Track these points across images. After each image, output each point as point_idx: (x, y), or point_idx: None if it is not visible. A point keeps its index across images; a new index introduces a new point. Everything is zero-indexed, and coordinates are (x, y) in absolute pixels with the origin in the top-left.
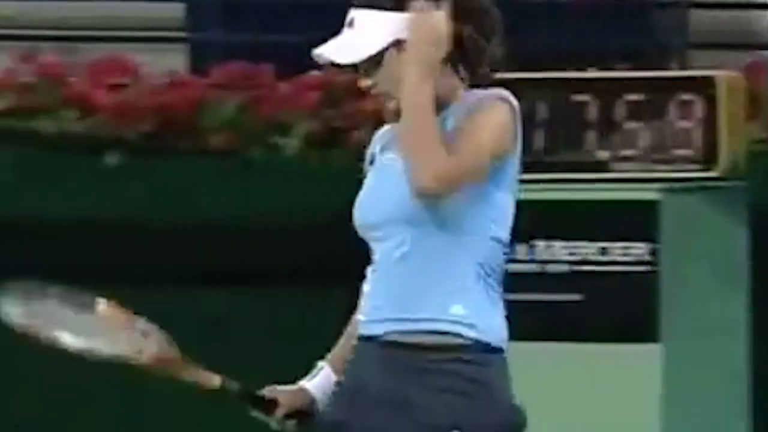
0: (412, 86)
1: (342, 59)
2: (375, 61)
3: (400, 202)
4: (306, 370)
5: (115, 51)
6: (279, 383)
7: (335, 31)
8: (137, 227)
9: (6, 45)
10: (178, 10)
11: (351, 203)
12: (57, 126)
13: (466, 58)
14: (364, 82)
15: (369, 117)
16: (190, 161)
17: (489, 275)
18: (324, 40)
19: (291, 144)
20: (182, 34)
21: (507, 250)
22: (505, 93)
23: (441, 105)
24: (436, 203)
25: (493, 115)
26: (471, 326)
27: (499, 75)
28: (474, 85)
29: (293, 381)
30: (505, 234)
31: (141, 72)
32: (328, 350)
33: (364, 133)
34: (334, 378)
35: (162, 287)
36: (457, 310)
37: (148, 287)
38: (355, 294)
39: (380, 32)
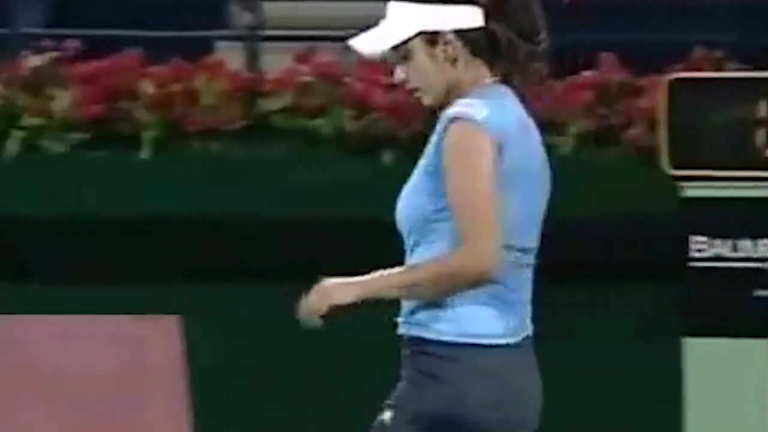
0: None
1: (366, 49)
2: (403, 52)
3: (406, 208)
4: None
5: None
6: None
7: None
8: None
9: (284, 45)
10: None
11: (624, 200)
12: (333, 125)
13: (498, 54)
14: (397, 76)
15: (643, 115)
16: None
17: None
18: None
19: (565, 142)
20: None
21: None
22: (457, 110)
23: (461, 94)
24: (411, 209)
25: (460, 150)
26: (423, 325)
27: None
28: (506, 80)
29: None
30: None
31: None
32: None
33: (639, 130)
34: None
35: None
36: (418, 311)
37: None
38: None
39: (406, 23)
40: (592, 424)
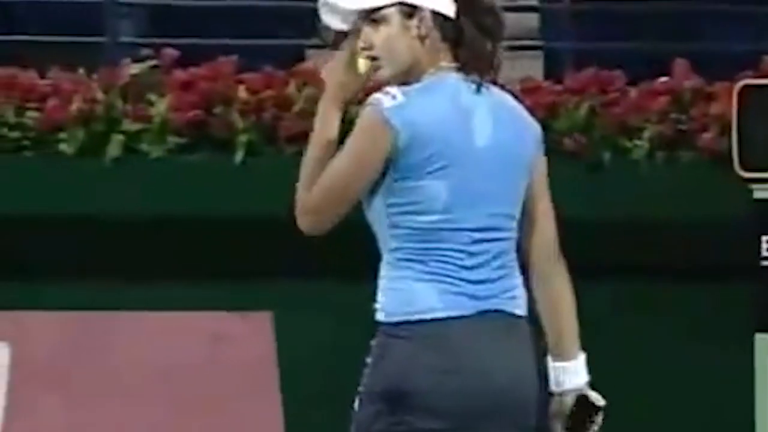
0: (317, 118)
1: (347, 5)
2: (377, 18)
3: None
4: None
5: None
6: None
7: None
8: None
9: None
10: (533, 20)
11: (697, 202)
12: None
13: (461, 47)
14: (360, 42)
15: (715, 120)
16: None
17: (410, 259)
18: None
19: (640, 147)
20: (538, 43)
21: (439, 227)
22: (374, 96)
23: (419, 75)
24: (367, 206)
25: (355, 130)
26: (380, 309)
27: None
28: (462, 68)
29: None
30: (420, 218)
31: (499, 78)
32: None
33: (711, 135)
34: None
35: None
36: (378, 297)
37: None
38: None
39: None
40: (668, 417)
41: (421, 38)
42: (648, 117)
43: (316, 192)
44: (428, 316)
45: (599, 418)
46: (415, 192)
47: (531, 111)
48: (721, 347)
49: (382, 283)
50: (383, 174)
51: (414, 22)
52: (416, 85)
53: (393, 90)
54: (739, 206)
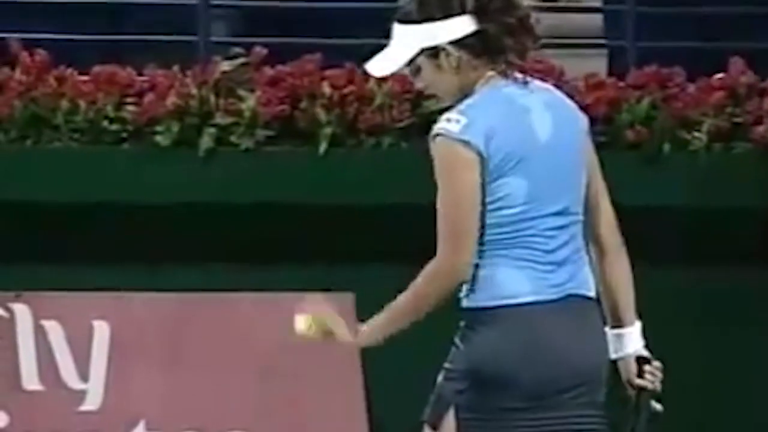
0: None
1: (376, 72)
2: (414, 67)
3: None
4: None
5: (541, 56)
6: None
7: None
8: None
9: None
10: (598, 20)
11: (752, 192)
12: None
13: (489, 52)
14: (417, 85)
15: None
16: (608, 154)
17: (496, 249)
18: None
19: (698, 139)
20: (602, 41)
21: (522, 216)
22: (438, 126)
23: (471, 92)
24: None
25: (441, 167)
26: (467, 296)
27: None
28: (504, 71)
29: None
30: (504, 212)
31: (564, 75)
32: None
33: (766, 128)
34: None
35: None
36: (468, 285)
37: None
38: None
39: (409, 44)
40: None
41: (455, 69)
42: (705, 111)
43: (445, 242)
44: (514, 301)
45: (659, 373)
46: (497, 190)
47: (595, 106)
48: None
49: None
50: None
51: (442, 59)
52: (468, 101)
53: (451, 115)
54: None
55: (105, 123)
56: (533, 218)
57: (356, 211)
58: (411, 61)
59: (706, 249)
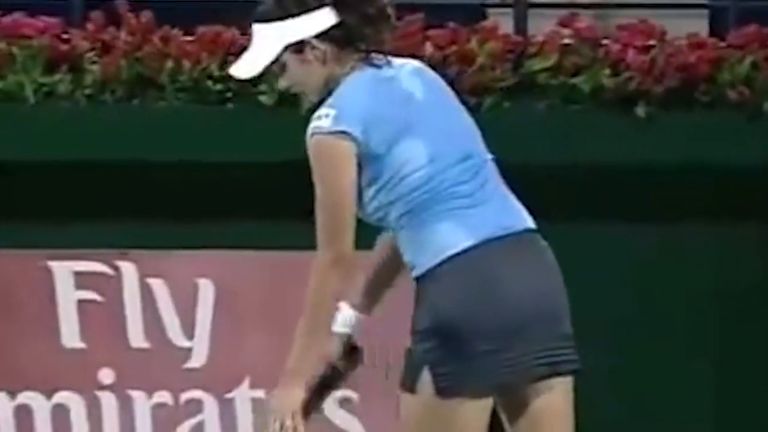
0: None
1: (241, 75)
2: (279, 66)
3: None
4: None
5: (644, 17)
6: None
7: None
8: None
9: (548, 12)
10: None
11: None
12: (592, 82)
13: (351, 42)
14: (282, 84)
15: None
16: (710, 114)
17: (418, 213)
18: None
19: None
20: (703, 1)
21: (416, 175)
22: (311, 125)
23: (336, 83)
24: (361, 206)
25: (317, 161)
26: (412, 266)
27: None
28: (366, 58)
29: None
30: (411, 178)
31: (666, 35)
32: None
33: None
34: None
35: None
36: (406, 258)
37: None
38: None
39: (270, 43)
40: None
41: (321, 61)
42: None
43: (326, 238)
44: (455, 250)
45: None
46: (395, 160)
47: (696, 65)
48: None
49: (404, 246)
50: (359, 174)
51: (306, 54)
52: (334, 93)
53: (320, 112)
54: None
55: (209, 83)
56: (443, 170)
57: None
58: (275, 60)
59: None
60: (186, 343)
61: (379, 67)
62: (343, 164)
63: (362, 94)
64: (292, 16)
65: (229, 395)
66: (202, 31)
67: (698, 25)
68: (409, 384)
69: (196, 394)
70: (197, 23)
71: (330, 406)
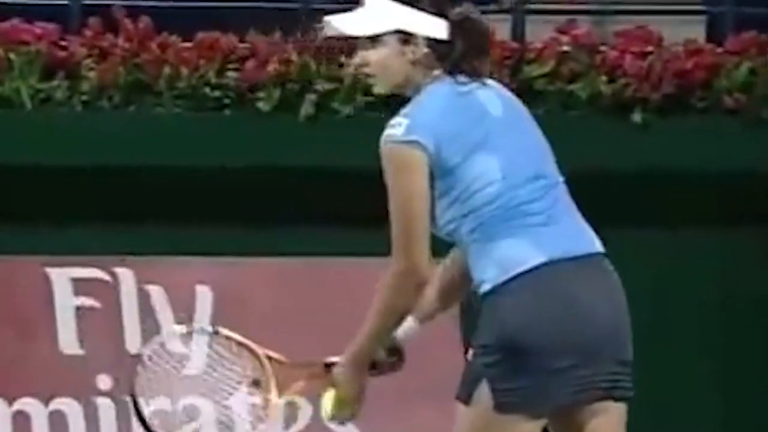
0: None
1: (350, 31)
2: (373, 40)
3: None
4: None
5: (641, 23)
6: None
7: None
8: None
9: (546, 18)
10: None
11: None
12: (590, 88)
13: (448, 62)
14: (356, 60)
15: None
16: (706, 120)
17: (489, 228)
18: None
19: None
20: (700, 8)
21: (490, 196)
22: (385, 133)
23: (411, 90)
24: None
25: (389, 171)
26: (481, 282)
27: None
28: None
29: None
30: (484, 192)
31: (663, 41)
32: None
33: None
34: None
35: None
36: (474, 274)
37: None
38: None
39: (388, 17)
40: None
41: (414, 63)
42: None
43: (399, 248)
44: (526, 267)
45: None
46: (468, 173)
47: (693, 71)
48: None
49: (473, 261)
50: (432, 186)
51: (410, 48)
52: (413, 102)
53: (393, 120)
54: None
55: (207, 89)
56: (515, 187)
57: None
58: (379, 35)
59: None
60: (183, 350)
61: (458, 82)
62: (414, 173)
63: (439, 106)
64: (420, 9)
65: (227, 401)
66: (200, 38)
67: (696, 31)
68: (465, 396)
69: (195, 400)
70: (195, 30)
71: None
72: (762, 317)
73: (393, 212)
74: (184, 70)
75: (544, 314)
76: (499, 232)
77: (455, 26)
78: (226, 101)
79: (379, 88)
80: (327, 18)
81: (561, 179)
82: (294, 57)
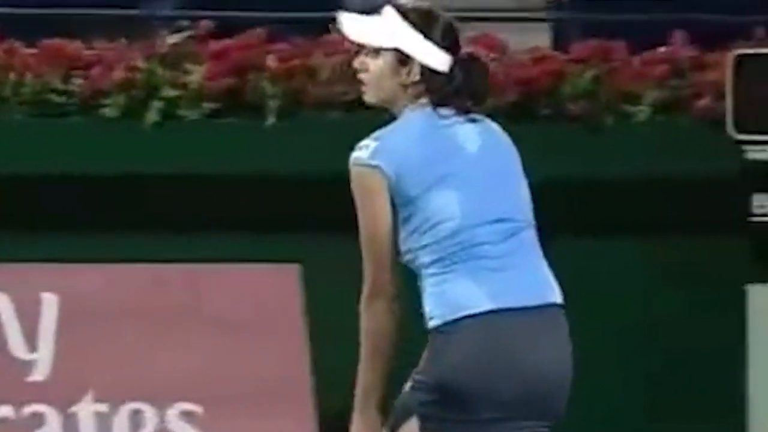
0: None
1: (352, 36)
2: (376, 50)
3: None
4: None
5: (486, 30)
6: None
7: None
8: None
9: None
10: None
11: (693, 162)
12: None
13: (439, 94)
14: (357, 62)
15: (711, 87)
16: (551, 127)
17: (446, 265)
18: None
19: (641, 112)
20: (546, 15)
21: (450, 231)
22: (353, 155)
23: (395, 108)
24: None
25: (356, 194)
26: (430, 317)
27: None
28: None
29: None
30: (441, 227)
31: (508, 48)
32: None
33: (707, 100)
34: None
35: None
36: (425, 307)
37: None
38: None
39: (393, 34)
40: (662, 369)
41: (405, 86)
42: (648, 84)
43: (368, 266)
44: (473, 311)
45: None
46: (427, 207)
47: (538, 79)
48: (717, 300)
49: (426, 294)
50: (394, 213)
51: (404, 69)
52: (390, 125)
53: (363, 142)
54: (732, 166)
55: (53, 96)
56: (475, 226)
57: (302, 182)
58: (379, 47)
59: (647, 218)
60: (29, 356)
61: (440, 115)
62: (377, 197)
63: (409, 135)
64: (426, 35)
65: (72, 409)
66: (45, 44)
67: (541, 38)
68: (392, 424)
69: (39, 407)
70: (40, 36)
71: (174, 419)
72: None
73: (361, 235)
74: (29, 77)
75: (482, 362)
76: (454, 270)
77: (459, 65)
78: (72, 108)
79: (368, 98)
80: (341, 15)
81: (532, 224)
82: (140, 63)
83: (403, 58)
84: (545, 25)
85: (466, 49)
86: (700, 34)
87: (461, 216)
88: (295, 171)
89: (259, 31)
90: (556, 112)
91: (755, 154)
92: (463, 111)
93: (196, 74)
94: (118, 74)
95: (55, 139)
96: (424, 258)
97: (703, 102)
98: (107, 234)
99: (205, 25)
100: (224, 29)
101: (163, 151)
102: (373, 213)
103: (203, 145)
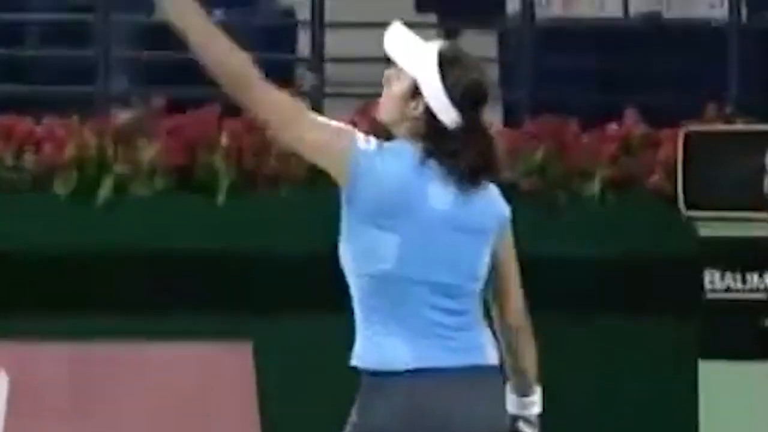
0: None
1: (388, 48)
2: (400, 71)
3: None
4: None
5: None
6: None
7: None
8: None
9: (343, 102)
10: (493, 72)
11: (644, 239)
12: None
13: (437, 146)
14: (386, 73)
15: (662, 164)
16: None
17: (379, 312)
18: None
19: (593, 188)
20: (497, 93)
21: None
22: (360, 134)
23: (397, 133)
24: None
25: (332, 123)
26: (357, 356)
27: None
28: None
29: None
30: (376, 265)
31: None
32: None
33: (658, 177)
34: None
35: None
36: (356, 343)
37: None
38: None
39: (416, 64)
40: None
41: (407, 115)
42: (599, 161)
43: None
44: (397, 368)
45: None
46: (368, 238)
47: None
48: (670, 376)
49: (359, 330)
50: (346, 218)
51: (413, 102)
52: (390, 144)
53: (372, 139)
54: (684, 243)
55: (3, 172)
56: (412, 282)
57: (254, 260)
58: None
59: (599, 295)
60: None
61: (424, 162)
62: (338, 144)
63: (396, 167)
64: (446, 84)
65: None
66: None
67: (492, 115)
68: None
69: None
70: None
71: None
72: None
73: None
74: None
75: (393, 422)
76: (382, 320)
77: (465, 126)
78: (23, 184)
79: (380, 115)
80: (396, 23)
81: (475, 289)
82: (91, 140)
83: (414, 91)
84: (497, 102)
85: (473, 114)
86: (651, 111)
87: (400, 265)
88: (247, 249)
89: (212, 108)
90: (508, 189)
91: (707, 230)
92: (454, 171)
93: (148, 151)
94: (70, 151)
95: (6, 216)
96: (354, 286)
97: (655, 179)
98: (60, 313)
99: (157, 101)
100: (177, 105)
101: (115, 228)
102: (310, 117)
103: (155, 223)
